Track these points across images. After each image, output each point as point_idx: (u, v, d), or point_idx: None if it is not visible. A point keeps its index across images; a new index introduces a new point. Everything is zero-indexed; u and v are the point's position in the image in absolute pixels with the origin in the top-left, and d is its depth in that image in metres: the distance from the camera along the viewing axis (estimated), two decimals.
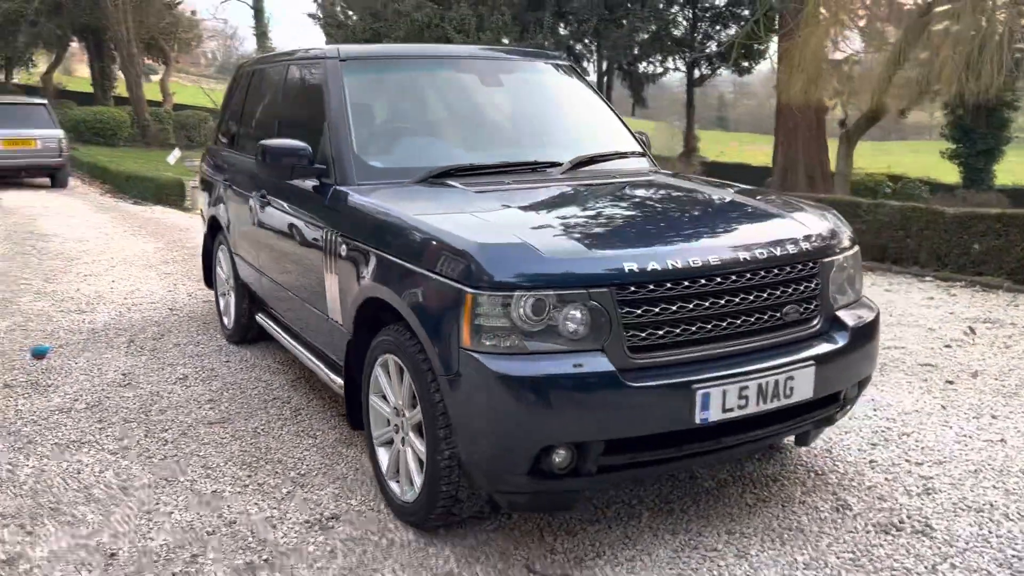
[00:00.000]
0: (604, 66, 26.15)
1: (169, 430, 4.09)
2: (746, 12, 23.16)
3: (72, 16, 36.33)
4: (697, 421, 2.74)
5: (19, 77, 43.00)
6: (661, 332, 2.76)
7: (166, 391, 4.64)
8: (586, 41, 24.97)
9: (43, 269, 8.24)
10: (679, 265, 2.78)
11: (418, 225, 3.02)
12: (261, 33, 37.57)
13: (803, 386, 2.95)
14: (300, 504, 3.34)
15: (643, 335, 2.73)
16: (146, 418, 4.25)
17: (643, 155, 4.32)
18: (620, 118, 4.46)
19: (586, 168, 3.93)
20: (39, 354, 5.20)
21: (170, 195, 14.58)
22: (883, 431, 4.08)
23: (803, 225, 3.22)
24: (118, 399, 4.52)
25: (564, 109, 4.48)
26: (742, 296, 2.89)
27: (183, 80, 47.35)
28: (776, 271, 2.97)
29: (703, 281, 2.82)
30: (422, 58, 4.40)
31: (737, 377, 2.80)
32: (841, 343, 3.09)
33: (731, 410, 2.79)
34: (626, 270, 2.72)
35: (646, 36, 24.49)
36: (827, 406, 3.18)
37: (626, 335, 2.70)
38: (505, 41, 22.49)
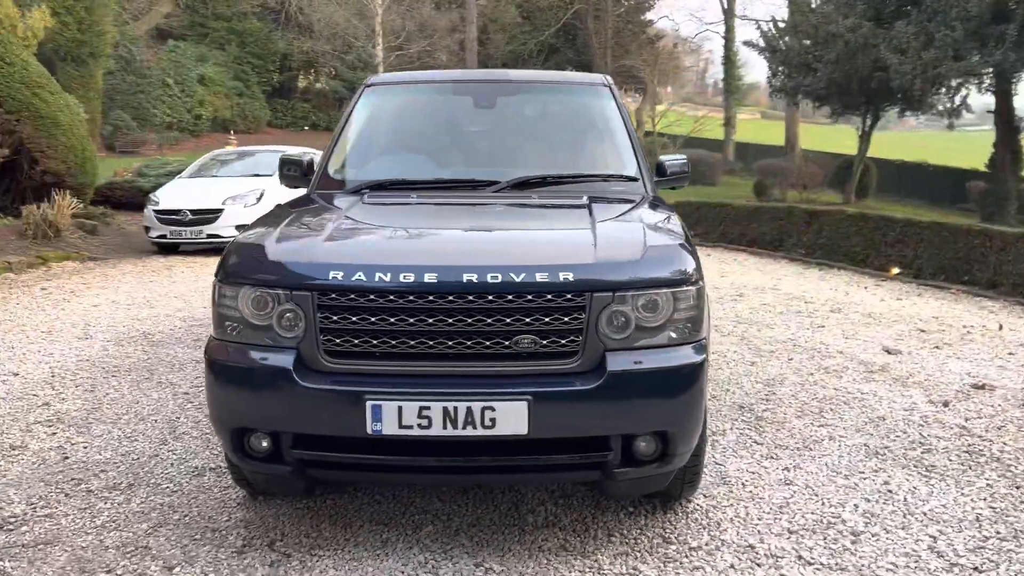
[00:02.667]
0: None
1: None
2: None
3: (568, 55, 41.37)
4: (369, 431, 2.80)
5: None
6: (356, 341, 2.87)
7: None
8: None
9: None
10: (386, 280, 2.85)
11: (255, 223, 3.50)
12: (728, 59, 38.56)
13: (511, 420, 2.77)
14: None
15: (339, 341, 2.88)
16: None
17: (633, 179, 4.12)
18: (633, 143, 4.28)
19: (536, 188, 3.95)
20: None
21: None
22: None
23: (578, 256, 2.96)
24: None
25: (559, 132, 4.46)
26: (458, 319, 2.84)
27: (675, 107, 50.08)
28: (510, 298, 2.83)
29: (411, 298, 2.84)
30: (429, 83, 4.74)
31: (418, 396, 2.78)
32: (583, 386, 2.81)
33: (410, 427, 2.78)
34: (329, 278, 2.88)
35: None
36: (587, 451, 2.90)
37: (322, 338, 2.88)
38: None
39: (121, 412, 4.64)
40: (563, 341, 2.86)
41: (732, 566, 3.06)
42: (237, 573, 2.97)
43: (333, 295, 2.87)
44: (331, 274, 2.89)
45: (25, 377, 5.26)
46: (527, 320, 2.84)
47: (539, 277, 2.85)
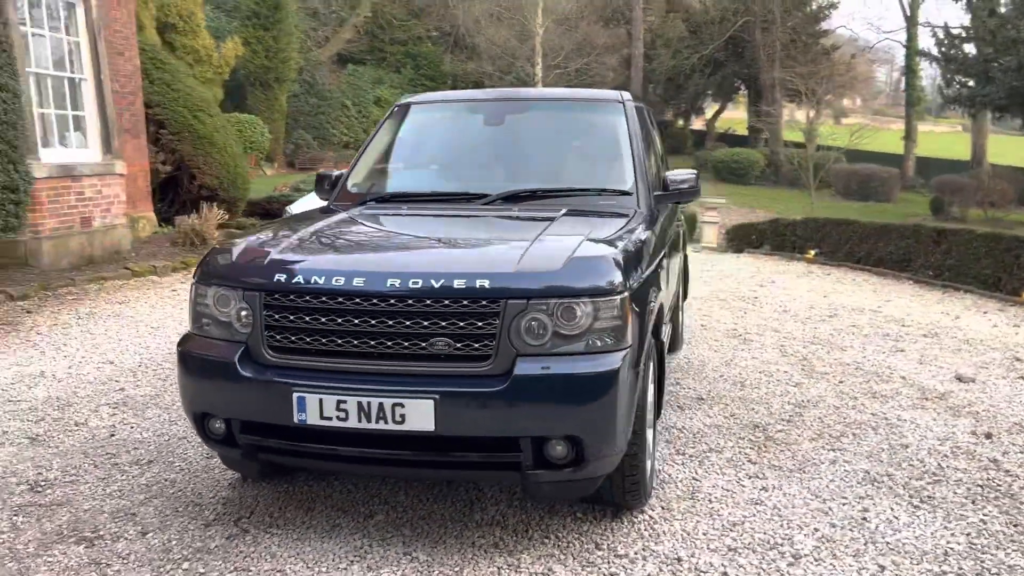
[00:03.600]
0: None
1: None
2: None
3: (734, 68, 40.51)
4: (295, 421, 3.08)
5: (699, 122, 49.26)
6: (294, 338, 3.16)
7: None
8: None
9: None
10: (320, 283, 3.13)
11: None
12: (909, 69, 36.30)
13: (419, 417, 2.96)
14: None
15: (279, 338, 3.18)
16: None
17: (626, 194, 4.19)
18: (635, 158, 4.34)
19: (525, 201, 4.11)
20: None
21: None
22: None
23: (499, 266, 3.12)
24: None
25: (562, 148, 4.57)
26: (380, 320, 3.07)
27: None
28: (428, 303, 3.02)
29: (340, 300, 3.10)
30: (447, 102, 4.96)
31: (337, 391, 3.03)
32: (489, 388, 2.96)
33: (329, 419, 3.03)
34: (274, 279, 3.20)
35: None
36: (497, 452, 3.04)
37: (266, 335, 3.19)
38: None
39: (177, 400, 5.18)
40: (476, 345, 3.02)
41: (649, 575, 3.08)
42: (197, 542, 3.32)
43: (276, 295, 3.17)
44: (276, 276, 3.20)
45: (117, 365, 5.95)
46: (442, 324, 3.02)
47: (456, 284, 3.03)
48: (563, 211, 3.96)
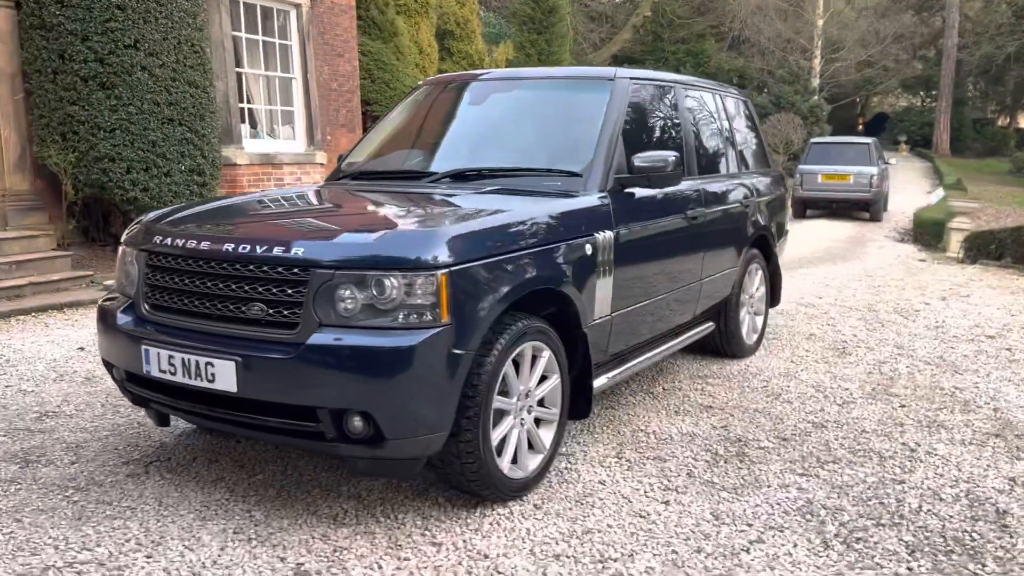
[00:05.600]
0: None
1: None
2: None
3: None
4: (144, 371, 3.33)
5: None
6: (161, 296, 3.40)
7: None
8: None
9: None
10: (178, 245, 3.35)
11: None
12: None
13: (224, 378, 3.08)
14: None
15: (153, 295, 3.44)
16: None
17: (576, 175, 3.96)
18: (602, 138, 4.06)
19: (473, 180, 4.05)
20: None
21: (924, 234, 14.20)
22: None
23: (318, 235, 3.16)
24: None
25: (533, 127, 4.36)
26: (215, 283, 3.22)
27: None
28: (251, 268, 3.12)
29: (189, 261, 3.30)
30: (447, 83, 4.86)
31: (169, 346, 3.23)
32: (282, 355, 2.99)
33: (165, 372, 3.24)
34: (153, 240, 3.48)
35: None
36: (296, 419, 3.06)
37: (144, 291, 3.48)
38: None
39: None
40: (286, 312, 3.07)
41: (445, 566, 2.93)
42: (100, 475, 3.70)
43: (152, 255, 3.45)
44: (155, 238, 3.48)
45: None
46: (260, 290, 3.11)
47: (275, 251, 3.10)
48: (489, 189, 3.86)
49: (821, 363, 5.67)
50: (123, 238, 3.75)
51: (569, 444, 4.11)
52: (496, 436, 3.31)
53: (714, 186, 5.02)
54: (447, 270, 2.99)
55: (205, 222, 3.58)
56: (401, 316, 2.97)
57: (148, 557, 3.00)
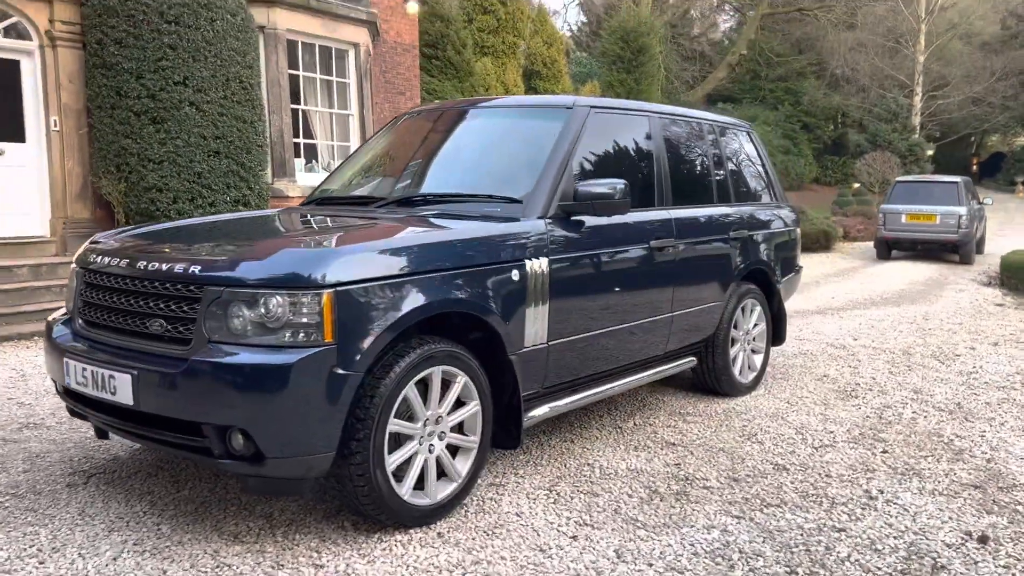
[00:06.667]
0: None
1: None
2: None
3: None
4: (65, 383, 3.45)
5: None
6: (91, 311, 3.54)
7: None
8: None
9: None
10: (107, 263, 3.50)
11: None
12: None
13: (123, 391, 3.17)
14: None
15: (87, 312, 3.58)
16: None
17: (516, 201, 3.92)
18: (548, 166, 4.02)
19: (418, 205, 4.08)
20: None
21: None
22: None
23: (214, 254, 3.22)
24: None
25: (484, 154, 4.34)
26: (128, 299, 3.33)
27: None
28: (156, 285, 3.22)
29: (110, 279, 3.43)
30: (426, 111, 4.89)
31: (84, 359, 3.34)
32: (169, 370, 3.05)
33: (80, 385, 3.36)
34: (89, 259, 3.63)
35: None
36: (185, 433, 3.11)
37: (78, 306, 3.63)
38: None
39: None
40: (182, 328, 3.14)
41: None
42: (41, 484, 3.84)
43: (86, 272, 3.60)
44: (91, 257, 3.63)
45: None
46: (162, 306, 3.20)
47: (176, 269, 3.19)
48: (425, 213, 3.89)
49: (818, 405, 5.38)
50: (76, 258, 3.92)
51: (506, 474, 4.02)
52: (394, 461, 3.27)
53: (691, 216, 4.87)
54: (332, 290, 3.00)
55: (138, 242, 3.71)
56: (288, 335, 2.99)
57: (40, 563, 3.09)
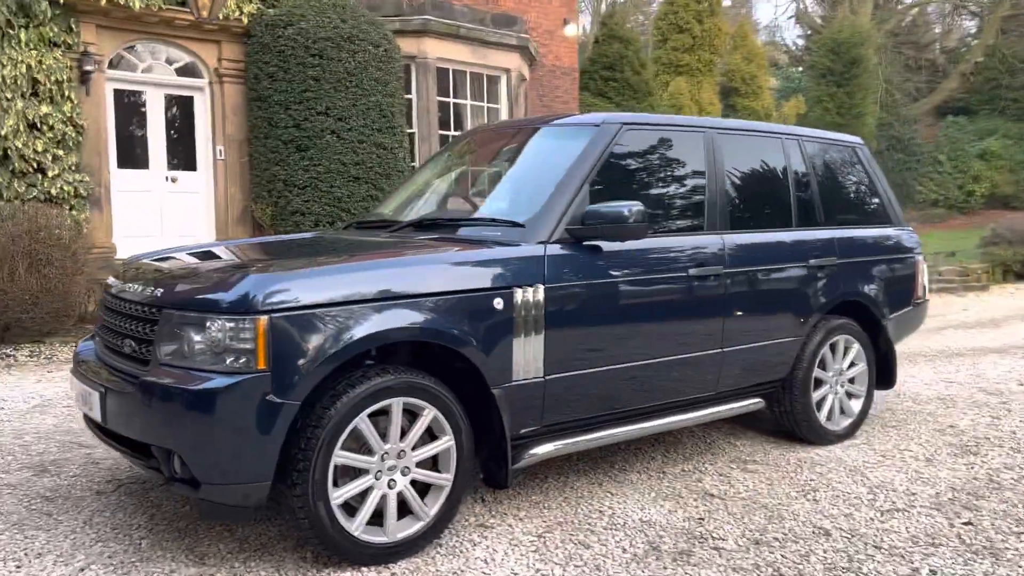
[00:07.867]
0: None
1: None
2: None
3: None
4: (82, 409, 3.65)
5: None
6: (104, 332, 3.73)
7: None
8: None
9: None
10: (112, 283, 3.69)
11: None
12: None
13: (95, 407, 3.32)
14: None
15: (102, 332, 3.76)
16: None
17: (518, 226, 3.71)
18: (559, 188, 3.78)
19: (427, 229, 3.99)
20: None
21: None
22: None
23: (176, 276, 3.27)
24: None
25: (503, 176, 4.12)
26: (116, 319, 3.48)
27: None
28: (132, 306, 3.35)
29: (111, 299, 3.60)
30: (480, 131, 4.74)
31: (81, 376, 3.53)
32: (120, 389, 3.13)
33: (76, 400, 3.55)
34: (108, 282, 3.84)
35: None
36: (139, 454, 3.19)
37: (99, 328, 3.84)
38: None
39: None
40: (145, 350, 3.23)
41: None
42: (81, 492, 4.09)
43: (106, 295, 3.81)
44: (109, 279, 3.85)
45: None
46: (133, 327, 3.32)
47: (146, 292, 3.30)
48: (423, 238, 3.80)
49: (919, 460, 4.63)
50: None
51: (504, 514, 3.78)
52: (341, 494, 3.15)
53: (750, 241, 4.38)
54: (267, 316, 2.96)
55: (145, 265, 3.87)
56: (229, 360, 2.98)
57: (18, 567, 3.26)
